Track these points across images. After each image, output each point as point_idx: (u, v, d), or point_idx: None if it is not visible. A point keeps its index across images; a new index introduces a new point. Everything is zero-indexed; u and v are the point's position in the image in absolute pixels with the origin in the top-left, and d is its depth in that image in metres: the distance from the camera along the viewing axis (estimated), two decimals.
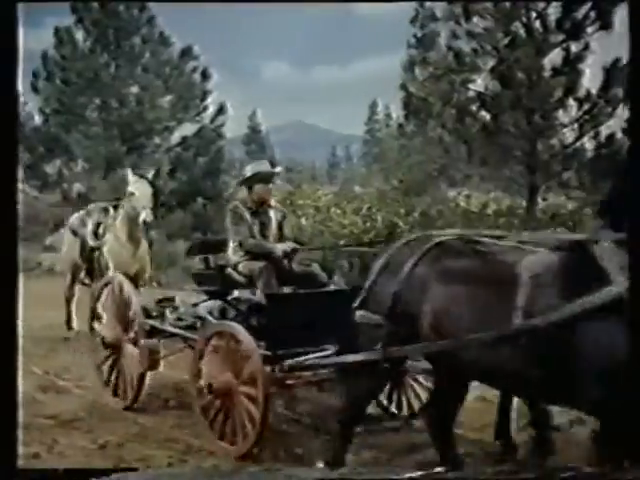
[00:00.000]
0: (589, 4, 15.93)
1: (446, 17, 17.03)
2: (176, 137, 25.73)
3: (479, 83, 16.92)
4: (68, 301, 11.20)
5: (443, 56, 17.47)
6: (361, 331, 5.48)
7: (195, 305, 7.67)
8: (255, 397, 6.02)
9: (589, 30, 16.03)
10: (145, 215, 9.31)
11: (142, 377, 7.52)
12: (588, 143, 16.58)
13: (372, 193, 21.59)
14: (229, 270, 7.34)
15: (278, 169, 8.06)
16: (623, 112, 15.98)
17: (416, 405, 7.31)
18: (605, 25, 15.79)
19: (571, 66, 16.08)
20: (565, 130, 16.50)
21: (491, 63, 16.57)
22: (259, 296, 6.91)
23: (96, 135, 24.09)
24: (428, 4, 19.12)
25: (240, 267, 7.26)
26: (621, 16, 15.75)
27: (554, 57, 16.30)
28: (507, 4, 16.41)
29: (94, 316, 8.29)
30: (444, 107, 16.93)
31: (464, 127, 16.85)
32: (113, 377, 7.97)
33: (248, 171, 7.52)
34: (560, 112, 16.40)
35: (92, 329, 8.30)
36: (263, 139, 64.49)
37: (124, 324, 7.85)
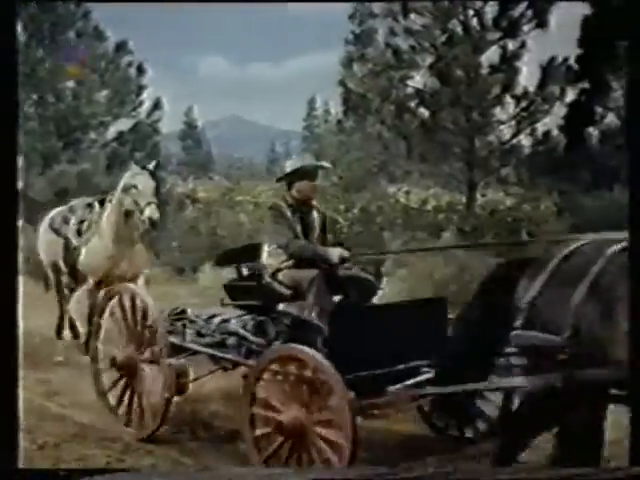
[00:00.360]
0: (525, 3, 16.18)
1: (384, 14, 17.10)
2: (112, 132, 25.53)
3: (418, 80, 17.05)
4: (61, 308, 9.83)
5: (381, 53, 17.55)
6: (524, 354, 4.66)
7: (212, 317, 6.77)
8: (340, 432, 5.08)
9: (525, 28, 16.32)
10: (150, 212, 8.16)
11: (167, 403, 6.54)
12: (525, 140, 16.91)
13: None
14: (267, 280, 6.36)
15: (324, 163, 7.24)
16: (559, 109, 16.34)
17: (482, 427, 6.30)
18: (541, 23, 16.08)
19: (508, 64, 16.35)
20: (503, 127, 16.77)
21: (429, 60, 16.69)
22: (308, 310, 6.02)
23: (32, 130, 23.79)
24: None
25: (280, 276, 6.34)
26: (557, 15, 16.06)
27: (491, 55, 16.58)
28: (445, 2, 16.56)
29: (96, 333, 7.35)
30: (383, 103, 16.98)
31: (403, 123, 16.93)
32: (125, 404, 6.95)
33: (289, 166, 6.60)
34: (498, 109, 16.66)
35: (94, 350, 7.35)
36: (199, 135, 64.05)
37: (138, 342, 6.87)
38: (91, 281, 8.75)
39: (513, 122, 16.53)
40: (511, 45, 16.37)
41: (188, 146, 59.00)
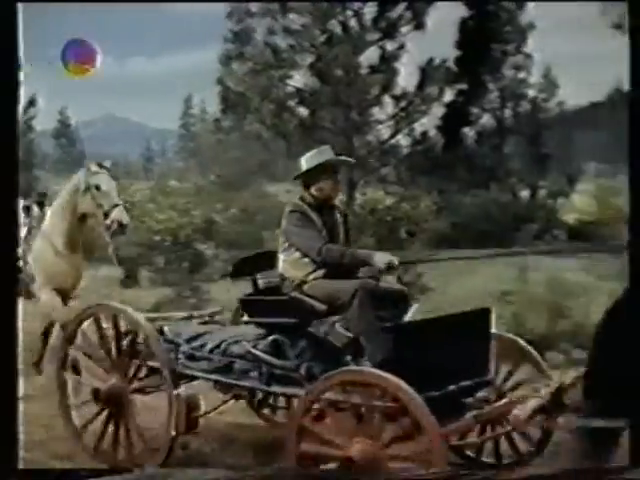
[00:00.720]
0: (404, 4, 16.35)
1: (262, 13, 17.02)
2: None
3: (297, 79, 17.03)
4: None
5: (261, 51, 17.45)
6: None
7: (196, 338, 5.87)
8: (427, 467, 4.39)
9: (404, 30, 16.50)
10: (119, 214, 7.39)
11: (173, 442, 5.57)
12: (404, 139, 17.11)
13: (189, 188, 21.31)
14: (296, 293, 5.50)
15: (347, 158, 6.26)
16: (438, 110, 16.62)
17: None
18: (419, 25, 16.29)
19: (387, 64, 16.50)
20: (381, 127, 16.92)
21: (309, 60, 16.69)
22: (336, 326, 5.27)
23: None
24: None
25: (307, 288, 5.50)
26: (434, 17, 16.31)
27: (371, 55, 16.69)
28: (324, 2, 16.59)
29: (64, 364, 6.31)
30: (262, 102, 16.89)
31: (282, 122, 16.88)
32: (108, 440, 5.96)
33: (308, 160, 5.69)
34: (376, 109, 16.80)
35: (62, 383, 6.34)
36: (73, 133, 62.71)
37: (125, 369, 5.96)
38: (44, 295, 7.70)
39: (392, 122, 16.71)
40: (390, 46, 16.57)
41: (62, 144, 57.67)
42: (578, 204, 18.49)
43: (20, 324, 8.79)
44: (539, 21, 17.92)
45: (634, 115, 4.42)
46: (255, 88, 16.90)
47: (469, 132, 17.96)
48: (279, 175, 19.58)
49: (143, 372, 5.99)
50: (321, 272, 5.50)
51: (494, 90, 17.92)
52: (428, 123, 16.86)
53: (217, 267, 15.70)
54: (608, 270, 11.86)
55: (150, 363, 5.87)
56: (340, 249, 5.48)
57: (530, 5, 17.57)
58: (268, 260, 5.99)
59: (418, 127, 16.89)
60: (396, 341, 4.88)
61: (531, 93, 18.49)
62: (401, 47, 16.51)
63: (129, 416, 5.88)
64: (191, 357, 5.78)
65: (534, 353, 5.72)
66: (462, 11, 17.44)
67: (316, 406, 4.82)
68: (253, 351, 5.41)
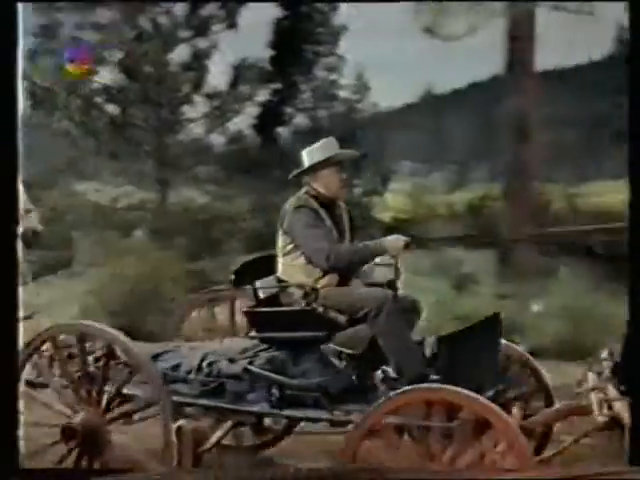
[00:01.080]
0: (217, 3, 16.25)
1: (70, 7, 16.54)
2: None
3: (105, 75, 16.63)
4: None
5: (67, 46, 16.93)
6: None
7: (157, 357, 5.21)
8: None
9: (216, 28, 16.40)
10: (31, 222, 6.46)
11: None
12: (218, 138, 17.02)
13: None
14: (315, 304, 4.93)
15: (354, 151, 5.68)
16: (252, 109, 16.62)
17: None
18: (232, 24, 16.25)
19: (199, 62, 16.41)
20: (194, 125, 16.80)
21: (118, 56, 16.33)
22: (360, 338, 4.84)
23: None
24: None
25: (321, 297, 4.98)
26: (248, 16, 16.31)
27: (181, 52, 16.56)
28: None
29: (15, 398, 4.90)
30: (69, 98, 16.40)
31: (91, 120, 16.47)
32: None
33: (312, 154, 5.21)
34: (188, 107, 16.69)
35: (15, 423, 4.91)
36: None
37: (98, 398, 5.03)
38: None
39: (205, 120, 16.62)
40: (202, 44, 16.50)
41: None
42: (392, 202, 18.82)
43: None
44: (352, 23, 18.10)
45: (634, 117, 4.42)
46: (62, 83, 16.37)
47: (284, 132, 17.99)
48: (88, 173, 19.03)
49: (117, 400, 5.14)
50: (334, 277, 5.07)
51: (307, 90, 18.02)
52: (242, 122, 16.89)
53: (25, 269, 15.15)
54: (422, 266, 12.06)
55: (126, 390, 5.05)
56: (350, 249, 5.06)
57: (343, 7, 17.72)
58: (273, 264, 5.32)
59: (232, 126, 16.90)
60: (440, 354, 4.64)
61: (344, 94, 18.69)
62: (213, 46, 16.46)
63: (108, 454, 5.03)
64: (165, 378, 5.08)
65: (537, 365, 5.54)
66: (276, 12, 17.46)
67: (378, 427, 4.35)
68: (256, 370, 4.86)
